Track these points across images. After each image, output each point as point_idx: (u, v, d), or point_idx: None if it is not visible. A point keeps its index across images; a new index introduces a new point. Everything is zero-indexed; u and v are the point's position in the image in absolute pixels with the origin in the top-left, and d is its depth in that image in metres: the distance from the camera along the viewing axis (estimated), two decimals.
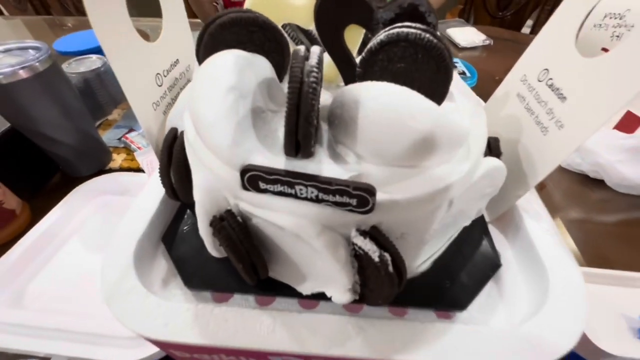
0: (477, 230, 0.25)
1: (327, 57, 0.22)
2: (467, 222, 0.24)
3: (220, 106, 0.16)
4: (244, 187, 0.16)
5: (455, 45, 0.84)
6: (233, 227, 0.17)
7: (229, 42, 0.19)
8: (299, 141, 0.16)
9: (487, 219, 0.26)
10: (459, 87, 0.24)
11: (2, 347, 0.30)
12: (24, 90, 0.41)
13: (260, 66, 0.19)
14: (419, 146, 0.16)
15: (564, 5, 0.23)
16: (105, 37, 0.17)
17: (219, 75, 0.16)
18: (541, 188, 0.55)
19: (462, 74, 0.63)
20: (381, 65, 0.19)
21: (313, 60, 0.15)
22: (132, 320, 0.18)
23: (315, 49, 0.16)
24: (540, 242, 0.22)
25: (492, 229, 0.25)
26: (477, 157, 0.19)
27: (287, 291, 0.21)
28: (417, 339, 0.18)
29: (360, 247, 0.16)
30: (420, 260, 0.20)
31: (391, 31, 0.18)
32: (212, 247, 0.20)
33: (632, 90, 0.18)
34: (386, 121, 0.16)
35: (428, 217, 0.18)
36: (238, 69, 0.17)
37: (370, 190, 0.15)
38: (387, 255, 0.16)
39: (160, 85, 0.23)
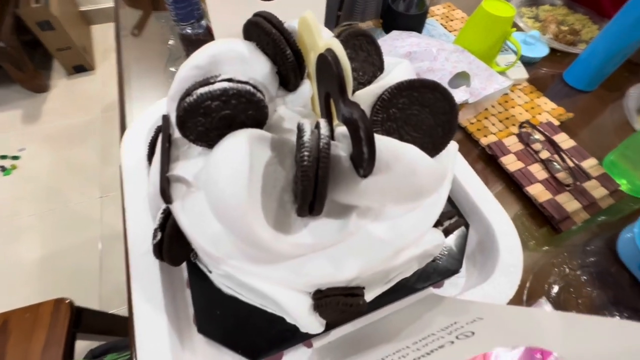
0: None
1: None
2: None
3: (181, 73, 0.21)
4: None
5: None
6: None
7: (255, 37, 0.22)
8: None
9: None
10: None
11: None
12: None
13: (256, 67, 0.21)
14: None
15: None
16: None
17: (197, 55, 0.21)
18: None
19: None
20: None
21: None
22: None
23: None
24: None
25: None
26: None
27: None
28: None
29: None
30: None
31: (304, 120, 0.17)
32: None
33: None
34: None
35: None
36: (218, 57, 0.21)
37: (164, 194, 0.19)
38: (159, 234, 0.21)
39: None
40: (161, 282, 0.22)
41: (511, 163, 0.50)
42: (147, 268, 0.23)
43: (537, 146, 0.52)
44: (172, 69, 0.62)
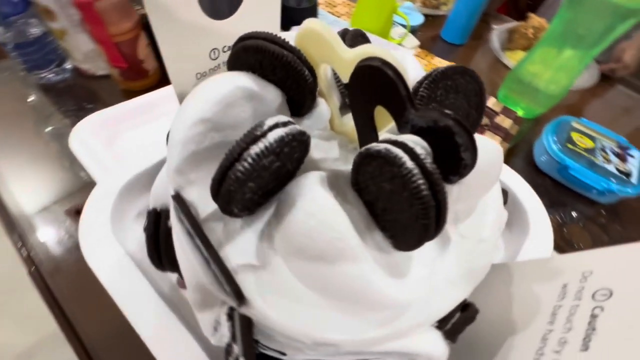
0: None
1: None
2: None
3: (183, 134, 0.15)
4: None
5: None
6: None
7: (252, 64, 0.17)
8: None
9: None
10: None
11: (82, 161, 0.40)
12: None
13: (266, 101, 0.17)
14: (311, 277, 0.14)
15: None
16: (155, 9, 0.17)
17: (198, 104, 0.15)
18: None
19: None
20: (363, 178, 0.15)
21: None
22: None
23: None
24: None
25: None
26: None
27: None
28: None
29: (221, 322, 0.16)
30: None
31: (374, 145, 0.14)
32: None
33: None
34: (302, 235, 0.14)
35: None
36: (227, 102, 0.16)
37: (240, 296, 0.14)
38: (235, 348, 0.15)
39: (214, 59, 0.23)
40: None
41: None
42: None
43: None
44: (48, 129, 0.48)
